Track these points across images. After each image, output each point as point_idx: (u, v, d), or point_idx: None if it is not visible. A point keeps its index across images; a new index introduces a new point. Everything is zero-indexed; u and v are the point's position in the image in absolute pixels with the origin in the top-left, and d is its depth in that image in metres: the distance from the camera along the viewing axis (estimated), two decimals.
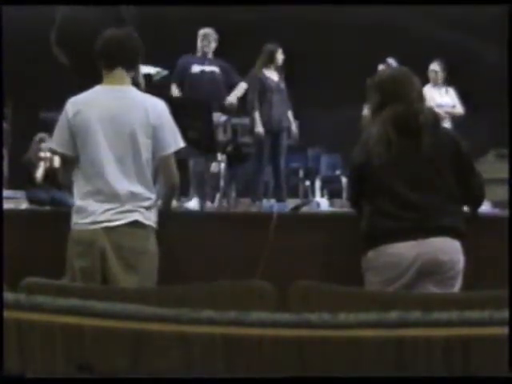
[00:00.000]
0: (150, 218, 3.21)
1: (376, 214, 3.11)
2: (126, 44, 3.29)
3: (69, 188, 3.42)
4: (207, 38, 6.92)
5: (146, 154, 3.19)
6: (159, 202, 3.34)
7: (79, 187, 3.23)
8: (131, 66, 3.28)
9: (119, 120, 3.19)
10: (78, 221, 3.21)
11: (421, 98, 3.23)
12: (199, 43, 6.98)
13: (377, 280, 3.05)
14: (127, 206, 3.16)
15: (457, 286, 3.06)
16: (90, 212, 3.17)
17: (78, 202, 3.22)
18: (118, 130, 3.18)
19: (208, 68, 6.81)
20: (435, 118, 3.20)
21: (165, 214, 3.36)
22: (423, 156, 3.07)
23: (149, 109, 3.20)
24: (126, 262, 3.15)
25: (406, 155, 3.07)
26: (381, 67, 7.89)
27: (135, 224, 3.17)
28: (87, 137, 3.20)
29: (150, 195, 3.20)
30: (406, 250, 3.01)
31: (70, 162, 3.27)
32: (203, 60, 6.91)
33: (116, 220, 3.15)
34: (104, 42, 3.30)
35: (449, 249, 3.06)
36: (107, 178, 3.17)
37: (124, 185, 3.17)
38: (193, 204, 6.19)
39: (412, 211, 3.04)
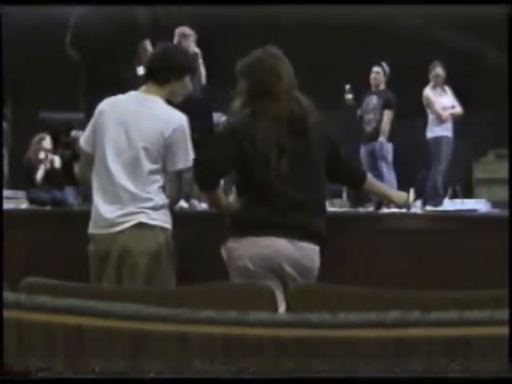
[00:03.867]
0: (158, 218, 3.20)
1: (255, 206, 3.08)
2: (161, 60, 3.34)
3: (85, 185, 3.45)
4: (190, 38, 6.81)
5: (149, 163, 3.20)
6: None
7: (94, 187, 3.27)
8: (163, 81, 3.30)
9: (131, 125, 3.22)
10: (91, 225, 3.24)
11: (292, 87, 3.15)
12: (183, 42, 6.81)
13: (250, 269, 3.01)
14: (130, 208, 3.16)
15: None
16: (100, 216, 3.19)
17: (93, 203, 3.25)
18: (128, 134, 3.21)
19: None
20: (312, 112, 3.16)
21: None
22: (308, 156, 3.08)
23: (164, 122, 3.22)
24: (136, 266, 3.15)
25: (291, 154, 3.05)
26: (377, 69, 7.90)
27: (141, 226, 3.16)
28: (102, 136, 3.24)
29: (152, 196, 3.20)
30: (285, 249, 3.00)
31: (89, 159, 3.31)
32: None
33: (120, 224, 3.16)
34: (149, 55, 3.39)
35: (315, 257, 3.06)
36: (112, 179, 3.19)
37: (126, 186, 3.18)
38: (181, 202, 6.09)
39: (292, 211, 3.04)
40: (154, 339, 1.43)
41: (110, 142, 3.23)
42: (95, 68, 4.71)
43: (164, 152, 3.21)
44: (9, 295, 1.48)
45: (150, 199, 3.19)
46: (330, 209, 7.02)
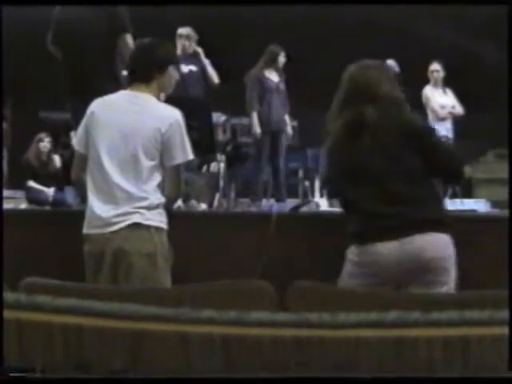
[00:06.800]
0: (153, 218, 3.19)
1: (358, 210, 3.08)
2: (144, 55, 3.32)
3: (79, 186, 3.45)
4: (188, 38, 6.80)
5: (147, 160, 3.19)
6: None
7: (88, 188, 3.26)
8: (148, 79, 3.29)
9: (126, 123, 3.21)
10: (85, 225, 3.24)
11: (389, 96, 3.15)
12: (183, 42, 6.81)
13: (363, 278, 3.02)
14: (125, 208, 3.15)
15: (449, 284, 3.02)
16: (94, 216, 3.19)
17: (88, 204, 3.25)
18: (123, 133, 3.21)
19: (194, 67, 6.74)
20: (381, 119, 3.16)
21: (169, 216, 3.36)
22: (387, 151, 3.07)
23: (160, 118, 3.21)
24: (130, 266, 3.14)
25: (371, 153, 3.07)
26: None
27: (135, 226, 3.16)
28: (95, 136, 3.24)
29: (148, 196, 3.19)
30: (389, 250, 2.98)
31: (83, 160, 3.31)
32: (187, 59, 6.76)
33: (115, 224, 3.15)
34: (129, 52, 3.37)
35: (432, 245, 2.99)
36: (106, 177, 3.19)
37: (121, 185, 3.17)
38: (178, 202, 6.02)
39: (395, 205, 3.02)
40: (154, 339, 1.43)
41: (104, 141, 3.22)
42: (78, 66, 4.68)
43: (161, 148, 3.21)
44: (9, 295, 1.48)
45: (145, 198, 3.17)
46: (329, 209, 7.02)
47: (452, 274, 3.02)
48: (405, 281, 2.96)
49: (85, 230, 3.24)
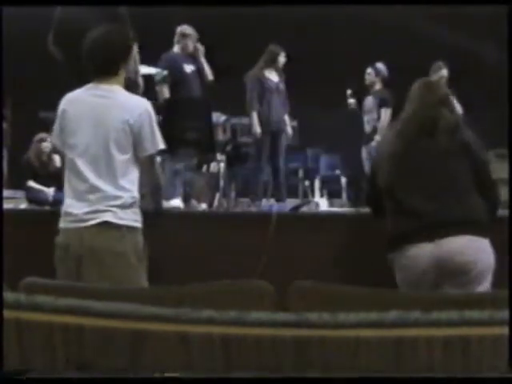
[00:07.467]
0: (126, 218, 3.16)
1: (402, 211, 3.10)
2: (106, 45, 3.26)
3: None
4: (191, 37, 6.78)
5: (120, 154, 3.17)
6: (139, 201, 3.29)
7: (64, 186, 3.26)
8: (115, 71, 3.25)
9: (96, 119, 3.19)
10: (60, 220, 3.24)
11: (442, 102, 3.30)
12: (185, 42, 6.78)
13: (403, 282, 3.04)
14: (97, 206, 3.14)
15: (484, 285, 3.01)
16: (68, 213, 3.19)
17: (64, 201, 3.25)
18: (94, 128, 3.19)
19: (193, 67, 6.72)
20: (455, 122, 3.27)
21: (156, 214, 3.35)
22: (439, 153, 3.13)
23: (129, 109, 3.18)
24: (100, 264, 3.11)
25: (423, 152, 3.14)
26: (369, 71, 7.94)
27: (106, 224, 3.13)
28: (68, 134, 3.23)
29: (122, 194, 3.16)
30: (423, 252, 2.98)
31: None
32: (187, 59, 6.74)
33: (86, 221, 3.14)
34: (86, 43, 3.29)
35: (468, 249, 3.02)
36: (80, 176, 3.18)
37: (94, 183, 3.16)
38: (177, 202, 5.99)
39: (431, 204, 3.04)
40: (153, 339, 1.43)
41: (76, 140, 3.20)
42: (78, 66, 4.68)
43: (133, 140, 3.18)
44: (9, 295, 1.47)
45: (120, 197, 3.15)
46: (329, 209, 7.03)
47: (488, 278, 3.03)
48: (438, 283, 2.97)
49: (60, 225, 3.24)
